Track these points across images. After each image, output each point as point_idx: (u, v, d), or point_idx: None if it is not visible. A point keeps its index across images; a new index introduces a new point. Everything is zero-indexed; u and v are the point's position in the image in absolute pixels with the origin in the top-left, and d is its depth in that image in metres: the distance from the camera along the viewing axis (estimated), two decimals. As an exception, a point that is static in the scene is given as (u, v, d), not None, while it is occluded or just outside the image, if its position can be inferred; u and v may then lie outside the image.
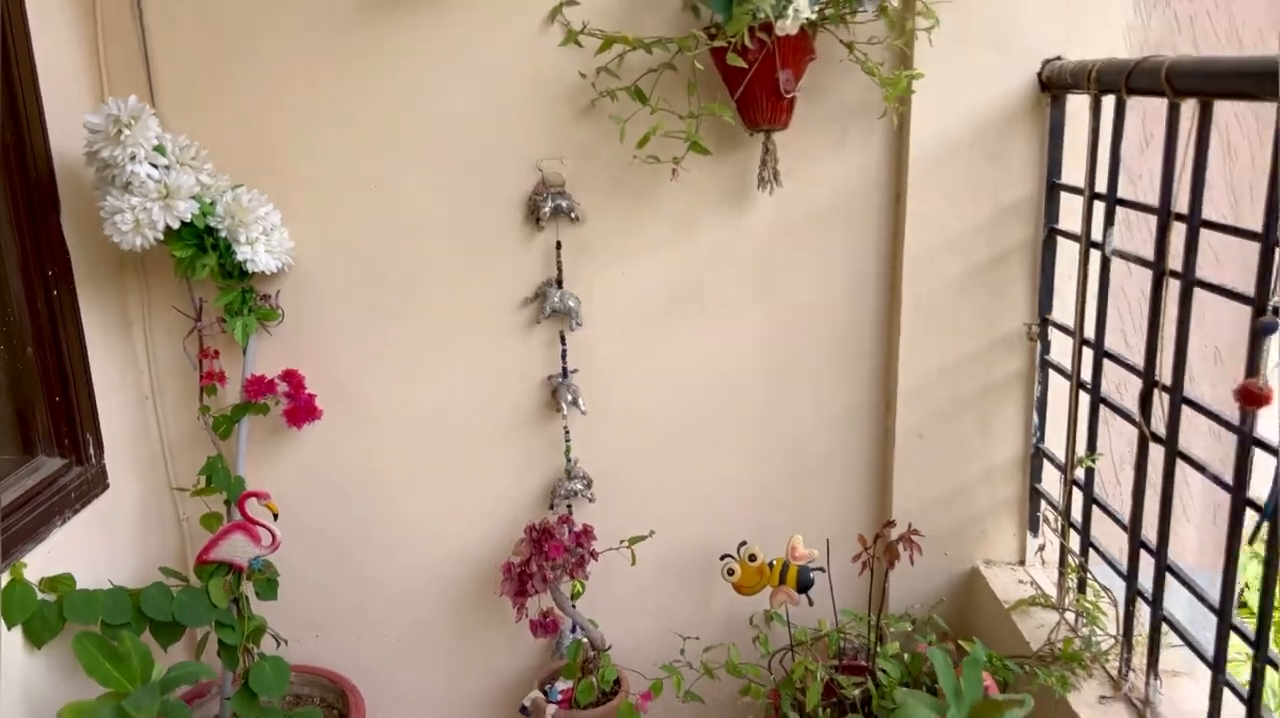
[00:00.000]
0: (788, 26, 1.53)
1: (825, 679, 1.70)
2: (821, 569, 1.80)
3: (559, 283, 1.85)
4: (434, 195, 1.84)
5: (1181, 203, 1.36)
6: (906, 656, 1.74)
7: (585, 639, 1.90)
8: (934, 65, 1.72)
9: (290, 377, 1.88)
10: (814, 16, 1.55)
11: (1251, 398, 1.19)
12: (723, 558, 1.83)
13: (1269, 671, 1.23)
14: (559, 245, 1.84)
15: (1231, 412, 1.26)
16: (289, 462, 1.96)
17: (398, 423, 1.96)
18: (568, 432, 1.92)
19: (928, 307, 1.85)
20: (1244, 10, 1.72)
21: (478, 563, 2.03)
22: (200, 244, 1.70)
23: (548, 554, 1.78)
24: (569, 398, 1.86)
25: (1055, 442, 1.83)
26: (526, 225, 1.85)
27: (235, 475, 1.82)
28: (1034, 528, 1.93)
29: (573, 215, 1.82)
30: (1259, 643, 1.23)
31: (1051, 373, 1.84)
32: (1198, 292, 1.36)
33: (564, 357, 1.88)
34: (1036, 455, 1.89)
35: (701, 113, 1.65)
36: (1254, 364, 1.21)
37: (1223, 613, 1.31)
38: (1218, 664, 1.32)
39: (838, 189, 1.84)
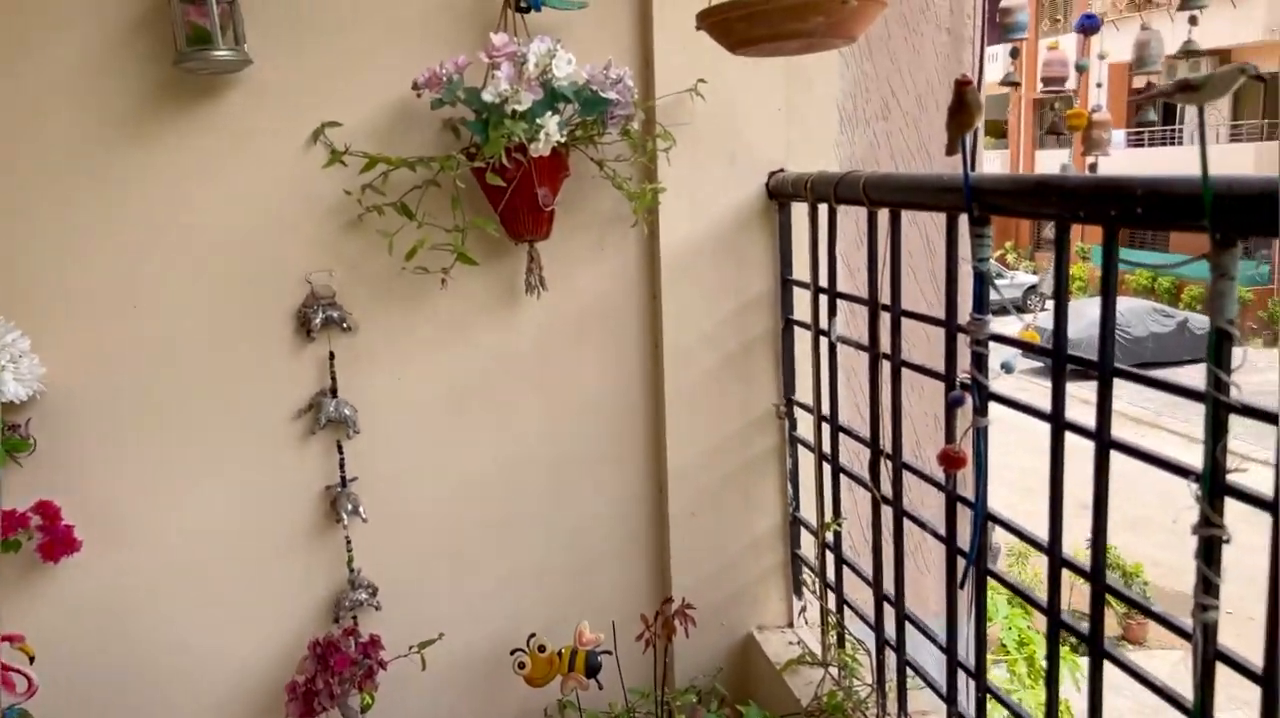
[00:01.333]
0: (540, 149, 1.67)
1: (618, 760, 1.76)
2: (609, 652, 1.88)
3: (334, 392, 1.87)
4: (198, 312, 1.82)
5: (887, 295, 1.59)
6: (692, 726, 1.84)
7: (378, 752, 1.87)
8: (676, 178, 1.91)
9: (44, 509, 1.77)
10: (564, 139, 1.70)
11: (950, 461, 1.39)
12: (513, 653, 1.87)
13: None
14: (332, 355, 1.86)
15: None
16: (48, 599, 1.84)
17: (170, 546, 1.88)
18: (349, 541, 1.92)
19: (689, 394, 2.00)
20: (928, 128, 2.03)
21: (265, 685, 1.96)
22: (-64, 375, 1.60)
23: (333, 669, 1.76)
24: (349, 507, 1.87)
25: (810, 510, 2.02)
26: (298, 337, 1.86)
27: (-19, 621, 1.69)
28: (798, 591, 2.10)
29: (344, 325, 1.85)
30: (979, 673, 1.42)
31: (801, 448, 2.03)
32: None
33: (342, 465, 1.89)
34: (794, 524, 2.07)
35: (467, 226, 1.75)
36: (950, 432, 1.42)
37: (950, 651, 1.49)
38: (950, 698, 1.50)
39: (600, 291, 1.98)
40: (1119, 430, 1.08)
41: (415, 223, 1.76)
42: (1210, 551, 0.95)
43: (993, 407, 1.31)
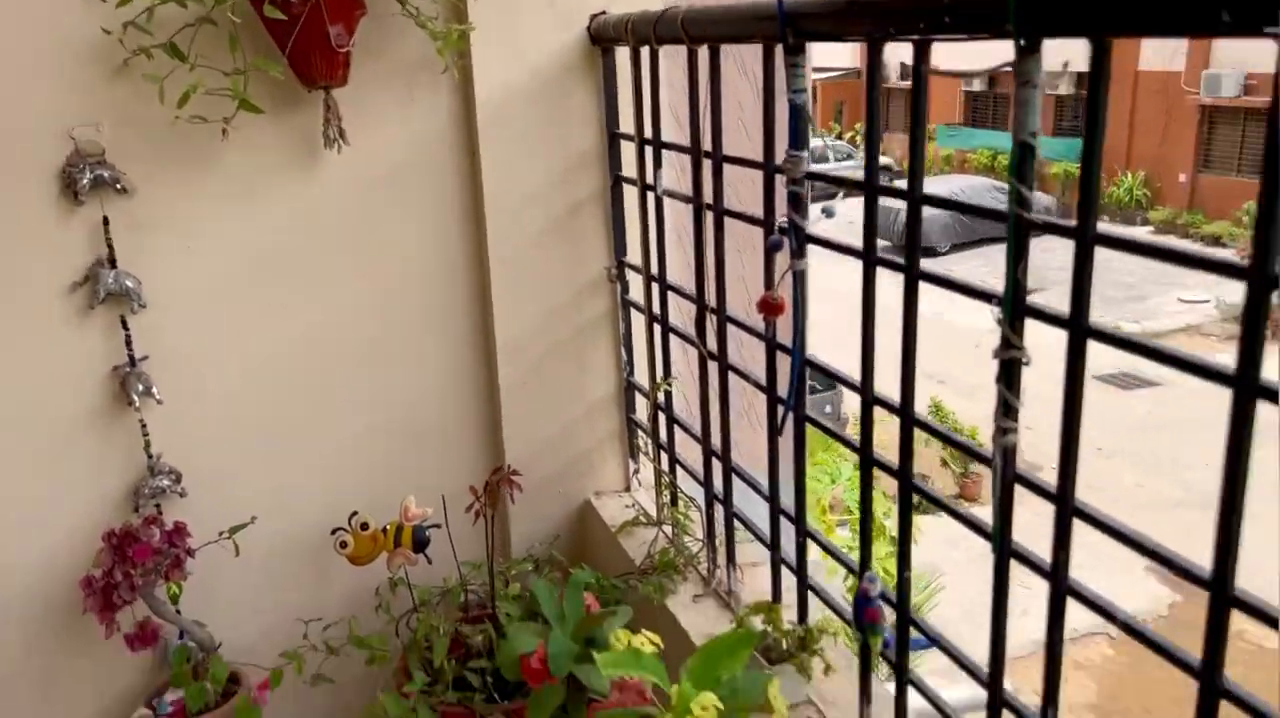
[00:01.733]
0: (327, -23, 1.49)
1: (450, 633, 1.71)
2: (438, 526, 1.81)
3: (112, 262, 1.68)
4: (-61, 173, 1.59)
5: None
6: (527, 594, 1.80)
7: (192, 643, 1.77)
8: (489, 19, 1.76)
9: None
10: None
11: (769, 308, 1.35)
12: (334, 532, 1.78)
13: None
14: (106, 221, 1.66)
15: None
16: None
17: (-70, 442, 1.68)
18: (144, 425, 1.76)
19: (515, 259, 1.90)
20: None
21: (62, 583, 1.81)
22: None
23: (133, 559, 1.63)
24: (140, 388, 1.70)
25: (645, 374, 1.97)
26: (64, 201, 1.65)
27: None
28: (635, 455, 2.07)
29: (119, 186, 1.65)
30: (798, 519, 1.42)
31: (634, 311, 1.97)
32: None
33: (129, 343, 1.71)
34: (628, 388, 2.03)
35: (248, 68, 1.56)
36: (769, 278, 1.37)
37: (772, 499, 1.49)
38: (774, 545, 1.50)
39: (412, 145, 1.83)
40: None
41: (188, 65, 1.55)
42: (1010, 374, 0.94)
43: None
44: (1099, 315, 0.83)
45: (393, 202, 1.85)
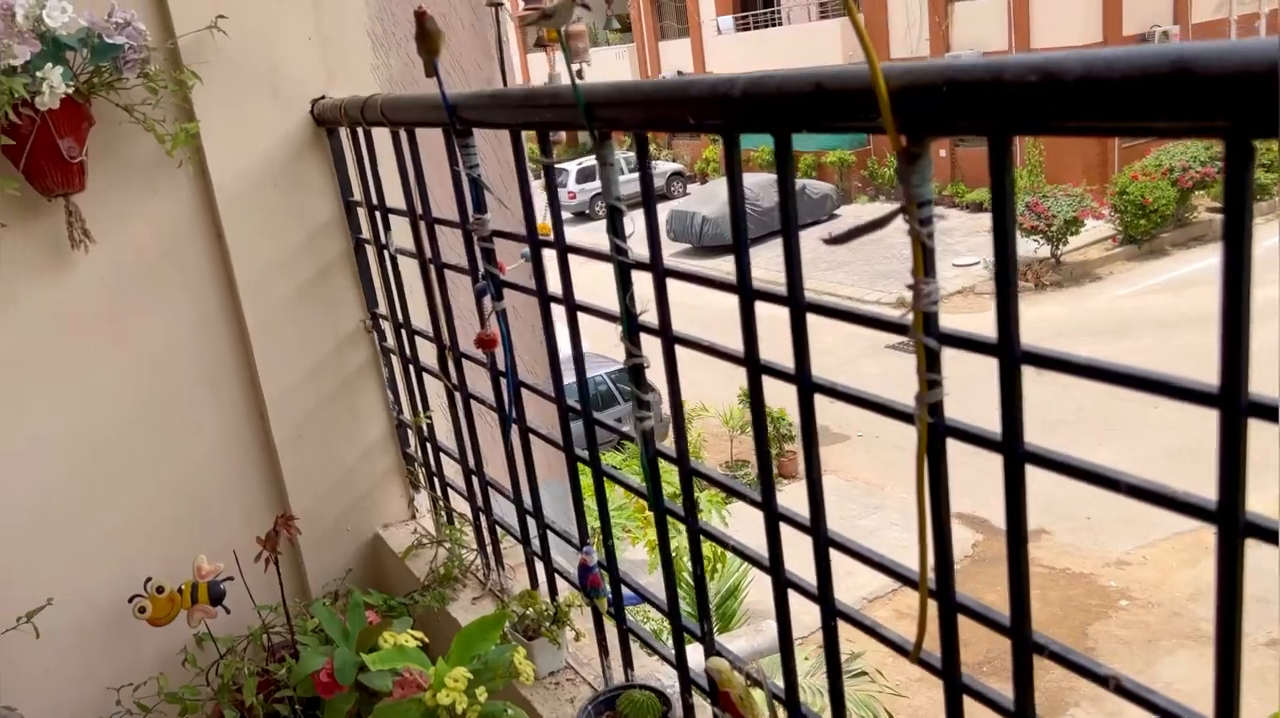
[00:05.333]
0: (49, 102, 1.64)
1: (258, 672, 1.88)
2: (230, 579, 1.97)
3: None
4: None
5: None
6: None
7: (4, 728, 1.86)
8: (217, 115, 1.94)
9: None
10: (72, 89, 1.68)
11: (483, 343, 1.62)
12: (131, 599, 1.91)
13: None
14: None
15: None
16: None
17: None
18: (-76, 530, 1.84)
19: (272, 323, 2.08)
20: (457, 46, 2.20)
21: None
22: None
23: (-70, 658, 1.72)
24: (-85, 496, 1.79)
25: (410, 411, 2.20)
26: None
27: None
28: (416, 485, 2.30)
29: None
30: (536, 512, 1.69)
31: (394, 355, 2.19)
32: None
33: (-102, 456, 1.80)
34: (400, 426, 2.25)
35: (-15, 188, 1.69)
36: (482, 317, 1.64)
37: (517, 500, 1.75)
38: (524, 539, 1.77)
39: (158, 236, 1.99)
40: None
41: (-78, 192, 1.67)
42: (638, 375, 1.24)
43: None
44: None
45: (147, 286, 1.99)
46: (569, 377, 1.46)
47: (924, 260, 0.74)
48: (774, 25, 23.71)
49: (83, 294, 1.94)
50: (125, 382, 2.01)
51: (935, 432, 0.80)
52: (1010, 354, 0.73)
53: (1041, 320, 14.73)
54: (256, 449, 2.16)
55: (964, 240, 17.82)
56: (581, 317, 1.38)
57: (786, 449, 11.15)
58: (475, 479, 1.90)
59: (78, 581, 2.01)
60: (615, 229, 1.18)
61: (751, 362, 1.02)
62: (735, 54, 24.00)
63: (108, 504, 2.03)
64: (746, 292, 0.98)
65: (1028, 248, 16.18)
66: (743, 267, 0.99)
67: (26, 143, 1.69)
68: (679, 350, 1.17)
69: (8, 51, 1.61)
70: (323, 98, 2.04)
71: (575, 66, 1.28)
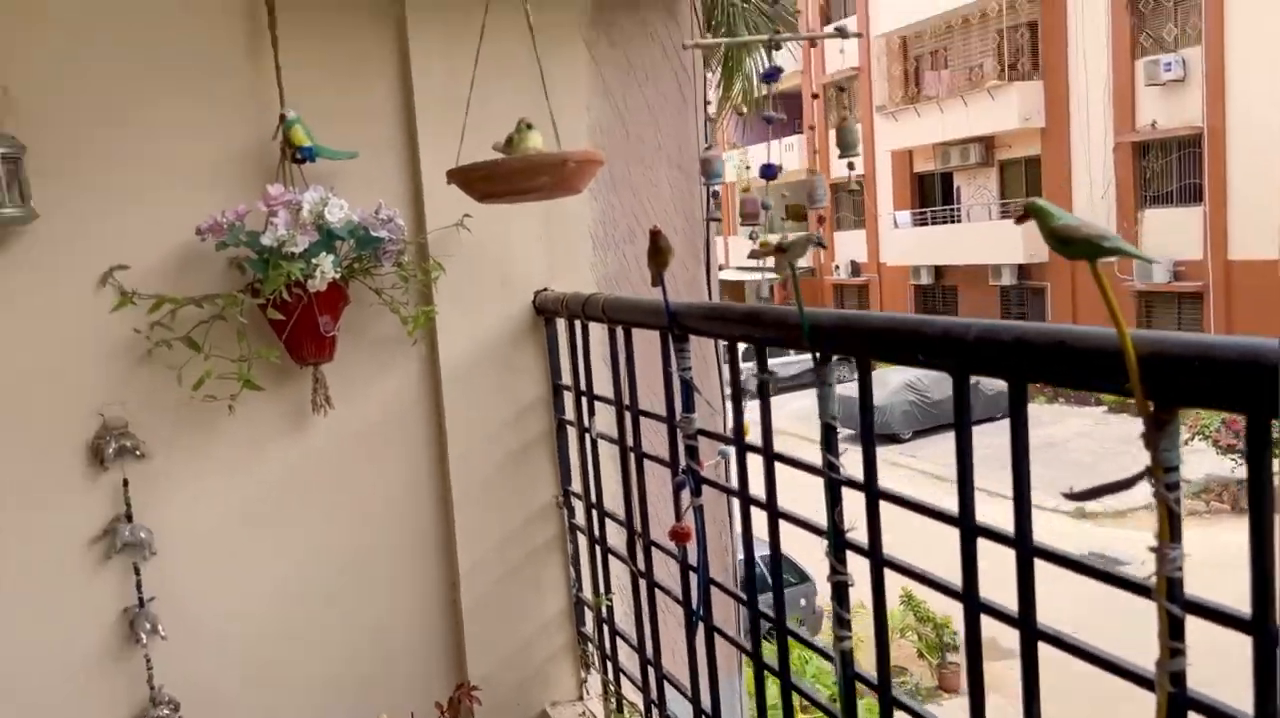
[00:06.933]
0: (317, 285, 1.87)
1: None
2: (408, 740, 2.02)
3: (129, 517, 1.97)
4: (-12, 450, 1.90)
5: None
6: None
7: None
8: (451, 300, 2.15)
9: None
10: (340, 274, 1.91)
11: (679, 536, 1.67)
12: (316, 751, 1.99)
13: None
14: (126, 483, 1.97)
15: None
16: None
17: (-43, 684, 1.91)
18: (149, 659, 2.00)
19: (475, 493, 2.21)
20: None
21: (61, 816, 1.99)
22: None
23: (135, 785, 1.83)
24: (147, 626, 1.95)
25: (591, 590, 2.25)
26: (92, 467, 1.96)
27: None
28: (587, 666, 2.31)
29: (138, 453, 1.97)
30: (714, 712, 1.67)
31: (580, 533, 2.27)
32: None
33: (139, 587, 1.98)
34: (578, 604, 2.29)
35: (252, 356, 1.92)
36: (677, 511, 1.69)
37: (695, 700, 1.74)
38: (699, 741, 1.74)
39: (386, 405, 2.18)
40: (931, 490, 1.34)
41: (202, 355, 1.91)
42: (841, 592, 1.24)
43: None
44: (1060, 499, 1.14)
45: (369, 453, 2.17)
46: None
47: (1170, 525, 0.74)
48: (953, 222, 23.90)
49: (315, 454, 2.13)
50: (341, 537, 2.16)
51: (1176, 702, 0.78)
52: (1267, 635, 0.71)
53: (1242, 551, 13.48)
54: (443, 614, 2.25)
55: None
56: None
57: (949, 661, 10.46)
58: (651, 670, 1.91)
59: (271, 724, 2.11)
60: (829, 446, 1.22)
61: (970, 598, 1.02)
62: (911, 246, 24.25)
63: (308, 652, 2.15)
64: (969, 528, 0.99)
65: (1223, 467, 15.07)
66: (966, 501, 1.00)
67: (292, 318, 1.92)
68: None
69: (291, 240, 1.85)
70: (545, 290, 2.22)
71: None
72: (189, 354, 1.91)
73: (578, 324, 2.07)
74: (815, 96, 25.67)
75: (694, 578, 1.69)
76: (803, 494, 1.38)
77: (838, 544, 1.24)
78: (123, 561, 1.99)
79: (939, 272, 24.02)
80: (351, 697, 2.17)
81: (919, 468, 16.31)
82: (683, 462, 1.66)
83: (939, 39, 23.49)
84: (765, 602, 1.54)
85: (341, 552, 2.16)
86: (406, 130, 2.12)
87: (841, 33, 1.91)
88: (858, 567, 1.23)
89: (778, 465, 1.43)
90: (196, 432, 2.02)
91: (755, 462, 1.49)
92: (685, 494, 1.66)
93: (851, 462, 1.29)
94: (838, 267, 26.96)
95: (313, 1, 2.04)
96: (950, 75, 23.06)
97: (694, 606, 1.69)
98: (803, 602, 10.76)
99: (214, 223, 1.88)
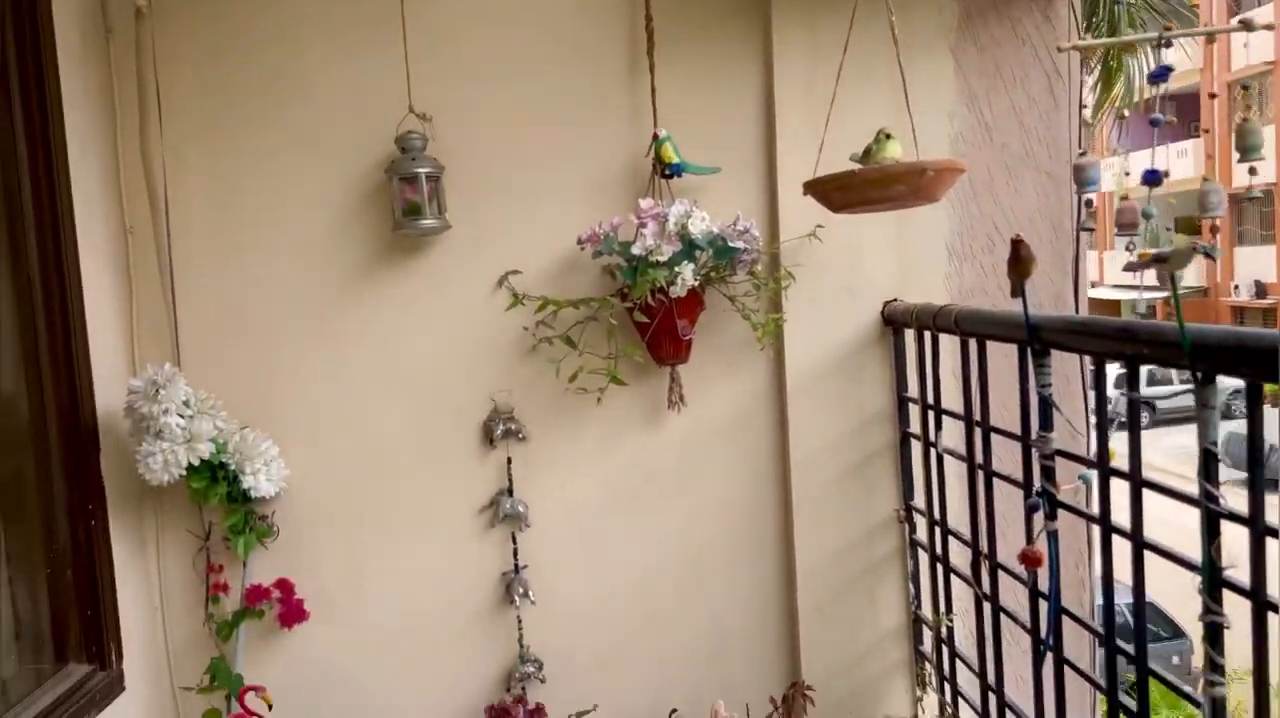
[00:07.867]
0: (678, 291, 2.01)
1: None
2: (741, 730, 2.10)
3: (510, 492, 2.23)
4: (404, 427, 2.25)
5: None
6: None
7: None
8: (800, 309, 2.20)
9: (282, 585, 2.21)
10: (698, 281, 2.04)
11: (1028, 560, 1.59)
12: (658, 725, 2.13)
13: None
14: (509, 461, 2.24)
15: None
16: (282, 659, 2.26)
17: (373, 622, 2.27)
18: (520, 620, 2.25)
19: (814, 499, 2.25)
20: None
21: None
22: (213, 476, 2.07)
23: (505, 729, 2.07)
24: (520, 590, 2.21)
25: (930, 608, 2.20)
26: (483, 446, 2.25)
27: (235, 673, 2.11)
28: (922, 685, 2.26)
29: (520, 435, 2.23)
30: (1061, 755, 1.57)
31: (920, 550, 2.23)
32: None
33: (515, 554, 2.24)
34: (916, 621, 2.25)
35: (619, 354, 2.10)
36: (1029, 534, 1.62)
37: (1039, 735, 1.65)
38: (1042, 778, 1.65)
39: (733, 407, 2.28)
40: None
41: (577, 352, 2.12)
42: (1215, 635, 1.13)
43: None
44: None
45: (715, 450, 2.29)
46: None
47: None
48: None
49: (664, 448, 2.28)
50: (683, 527, 2.29)
51: None
52: None
53: None
54: (779, 612, 2.31)
55: None
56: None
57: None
58: (993, 698, 1.83)
59: (617, 692, 2.29)
60: (1208, 474, 1.12)
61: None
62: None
63: (651, 632, 2.30)
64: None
65: None
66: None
67: (655, 320, 2.08)
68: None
69: (658, 250, 2.01)
70: (894, 300, 2.21)
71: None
72: (565, 350, 2.14)
73: (927, 336, 2.03)
74: (1213, 96, 22.78)
75: (1044, 606, 1.60)
76: (1177, 539, 1.25)
77: (1213, 582, 1.13)
78: (503, 530, 2.26)
79: (1367, 295, 20.33)
80: (689, 681, 2.30)
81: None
82: (1037, 483, 1.59)
83: (1381, 20, 19.86)
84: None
85: (687, 541, 2.29)
86: (765, 144, 2.21)
87: (1247, 25, 1.71)
88: (1237, 610, 1.12)
89: (1146, 498, 1.33)
90: (568, 420, 2.25)
91: (1120, 491, 1.39)
92: (1038, 517, 1.59)
93: (1235, 496, 1.18)
94: (1237, 286, 23.72)
95: (685, 26, 2.19)
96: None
97: (1043, 634, 1.60)
98: (1175, 659, 9.58)
99: (592, 233, 2.09)
